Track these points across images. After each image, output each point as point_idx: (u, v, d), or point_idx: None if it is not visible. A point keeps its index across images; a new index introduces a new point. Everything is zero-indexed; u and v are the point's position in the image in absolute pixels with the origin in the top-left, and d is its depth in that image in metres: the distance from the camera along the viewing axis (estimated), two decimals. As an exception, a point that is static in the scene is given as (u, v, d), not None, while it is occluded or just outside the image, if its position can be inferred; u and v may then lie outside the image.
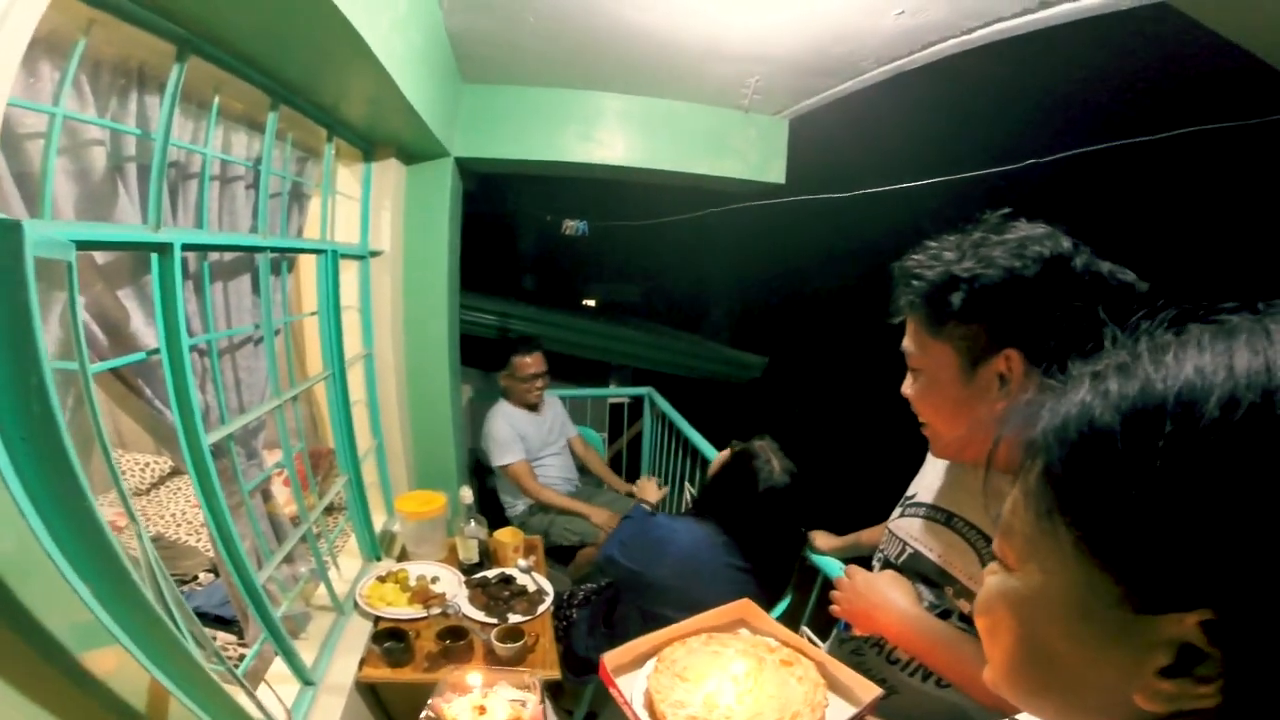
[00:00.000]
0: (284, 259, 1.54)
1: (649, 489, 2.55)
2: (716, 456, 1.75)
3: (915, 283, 0.85)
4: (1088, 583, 0.35)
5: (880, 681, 1.00)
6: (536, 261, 5.70)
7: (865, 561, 1.17)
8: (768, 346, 5.32)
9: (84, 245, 0.80)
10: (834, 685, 1.02)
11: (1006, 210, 0.84)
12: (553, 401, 3.08)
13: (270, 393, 1.48)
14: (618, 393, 3.79)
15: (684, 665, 1.08)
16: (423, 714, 1.12)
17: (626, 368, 4.50)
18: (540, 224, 3.47)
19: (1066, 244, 0.79)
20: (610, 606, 1.80)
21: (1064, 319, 0.76)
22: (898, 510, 1.10)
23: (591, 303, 6.53)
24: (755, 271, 6.93)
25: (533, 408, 2.93)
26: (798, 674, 1.04)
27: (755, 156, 2.41)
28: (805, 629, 1.64)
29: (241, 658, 1.40)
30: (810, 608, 1.77)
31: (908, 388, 0.93)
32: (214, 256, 1.27)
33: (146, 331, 1.08)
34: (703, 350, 4.98)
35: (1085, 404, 0.36)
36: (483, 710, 1.11)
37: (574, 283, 6.20)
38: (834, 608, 1.06)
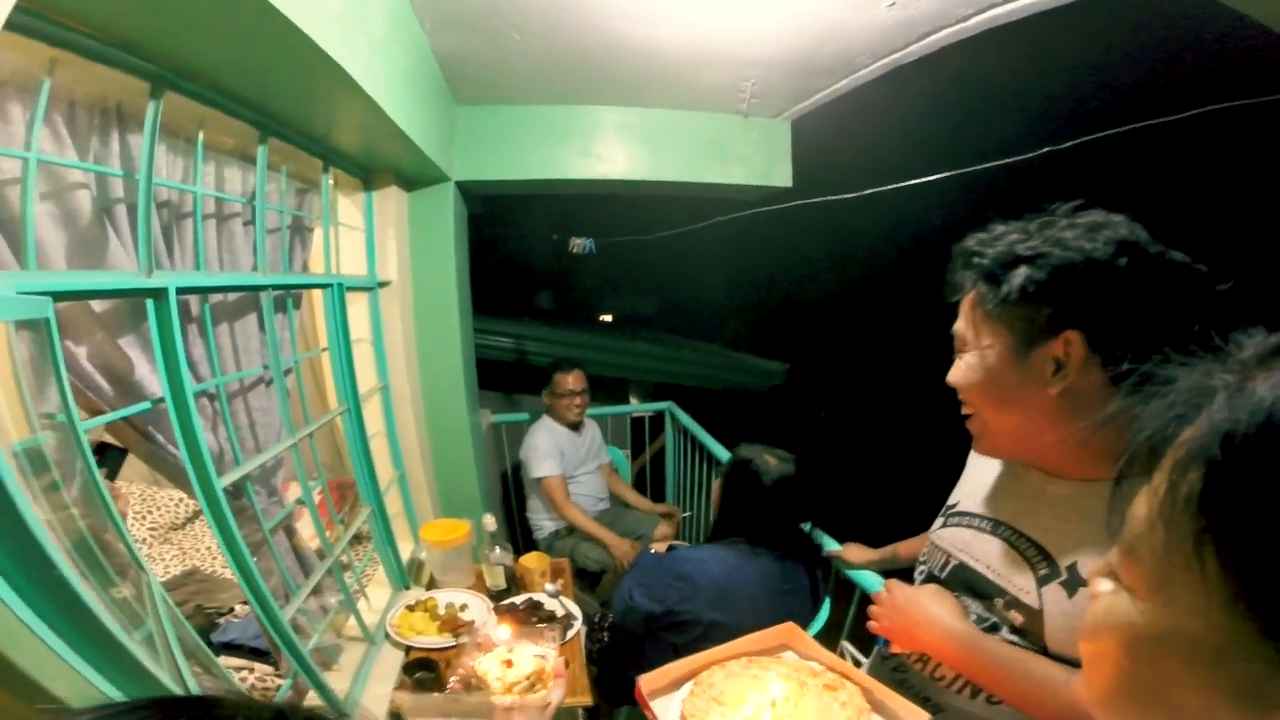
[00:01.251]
0: (289, 295, 1.54)
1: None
2: (714, 488, 1.67)
3: (976, 260, 0.82)
4: (1230, 632, 0.28)
5: (924, 700, 0.95)
6: (549, 280, 5.71)
7: (904, 574, 1.11)
8: (788, 352, 5.23)
9: (69, 295, 0.79)
10: (880, 710, 0.98)
11: (1078, 201, 0.80)
12: (592, 425, 3.12)
13: (285, 432, 1.48)
14: (638, 409, 3.75)
15: (721, 689, 1.06)
16: (455, 675, 1.18)
17: (646, 382, 4.46)
18: (549, 243, 3.47)
19: (1143, 233, 0.75)
20: (637, 643, 1.68)
21: (1138, 306, 0.72)
22: (939, 520, 1.05)
23: (608, 318, 6.52)
24: (771, 276, 6.86)
25: (574, 426, 2.95)
26: (841, 699, 0.99)
27: (759, 161, 2.37)
28: (845, 644, 1.57)
29: (278, 689, 1.40)
30: (849, 622, 1.70)
31: (954, 374, 0.88)
32: (217, 297, 1.27)
33: (152, 379, 1.07)
34: (722, 360, 4.92)
35: (1270, 398, 0.27)
36: (510, 664, 1.18)
37: (589, 298, 6.19)
38: (872, 624, 1.00)
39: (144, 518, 1.84)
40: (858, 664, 1.47)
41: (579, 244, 2.82)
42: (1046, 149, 1.49)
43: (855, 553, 1.62)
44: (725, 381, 4.80)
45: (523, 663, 1.20)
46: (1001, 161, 1.58)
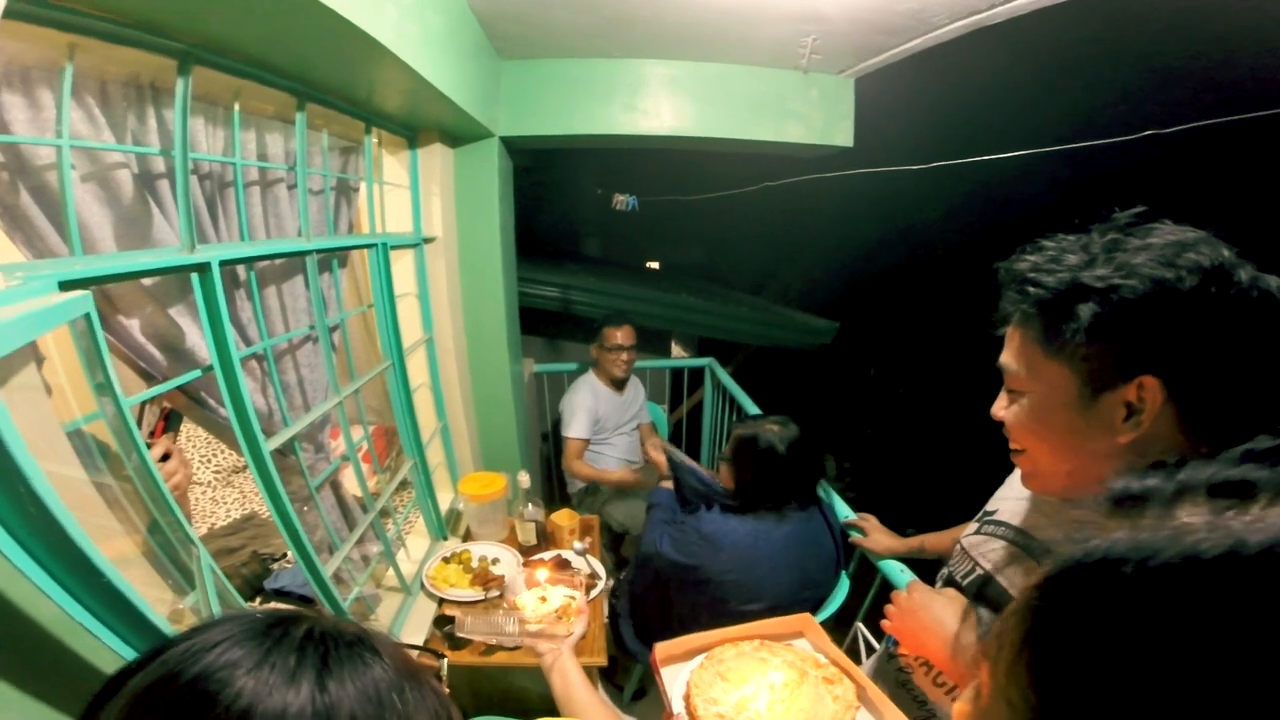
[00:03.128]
0: (334, 256, 1.56)
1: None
2: (721, 473, 1.72)
3: (1032, 290, 0.71)
4: None
5: (921, 705, 0.97)
6: (597, 226, 5.64)
7: (928, 566, 1.10)
8: (838, 311, 5.07)
9: (112, 279, 0.82)
10: (869, 708, 1.03)
11: (1140, 209, 0.69)
12: (636, 385, 3.11)
13: (330, 391, 1.53)
14: (678, 364, 3.75)
15: (729, 666, 1.13)
16: (503, 605, 1.39)
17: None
18: (594, 196, 3.41)
19: (1227, 252, 0.64)
20: (662, 603, 1.76)
21: (1227, 346, 0.62)
22: (973, 525, 1.01)
23: (655, 265, 6.44)
24: (825, 233, 6.57)
25: (618, 384, 2.95)
26: (835, 693, 1.05)
27: (819, 119, 2.22)
28: (860, 626, 1.58)
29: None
30: (866, 605, 1.71)
31: (1002, 410, 0.79)
32: (263, 262, 1.30)
33: (202, 345, 1.11)
34: (770, 316, 4.79)
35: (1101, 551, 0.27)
36: (544, 599, 1.37)
37: (636, 245, 6.10)
38: (885, 623, 1.01)
39: (209, 461, 1.97)
40: (870, 649, 1.50)
41: (622, 200, 2.74)
42: (1149, 132, 1.29)
43: (880, 540, 1.60)
44: (772, 338, 4.71)
45: (554, 599, 1.37)
46: (1089, 143, 1.39)
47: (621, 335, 2.85)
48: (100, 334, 0.72)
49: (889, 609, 1.01)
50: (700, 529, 1.58)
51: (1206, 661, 0.22)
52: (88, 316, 0.70)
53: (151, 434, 1.05)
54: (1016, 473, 0.98)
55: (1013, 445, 0.81)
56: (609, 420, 2.92)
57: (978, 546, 0.96)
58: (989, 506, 1.01)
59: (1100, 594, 0.26)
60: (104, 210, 0.91)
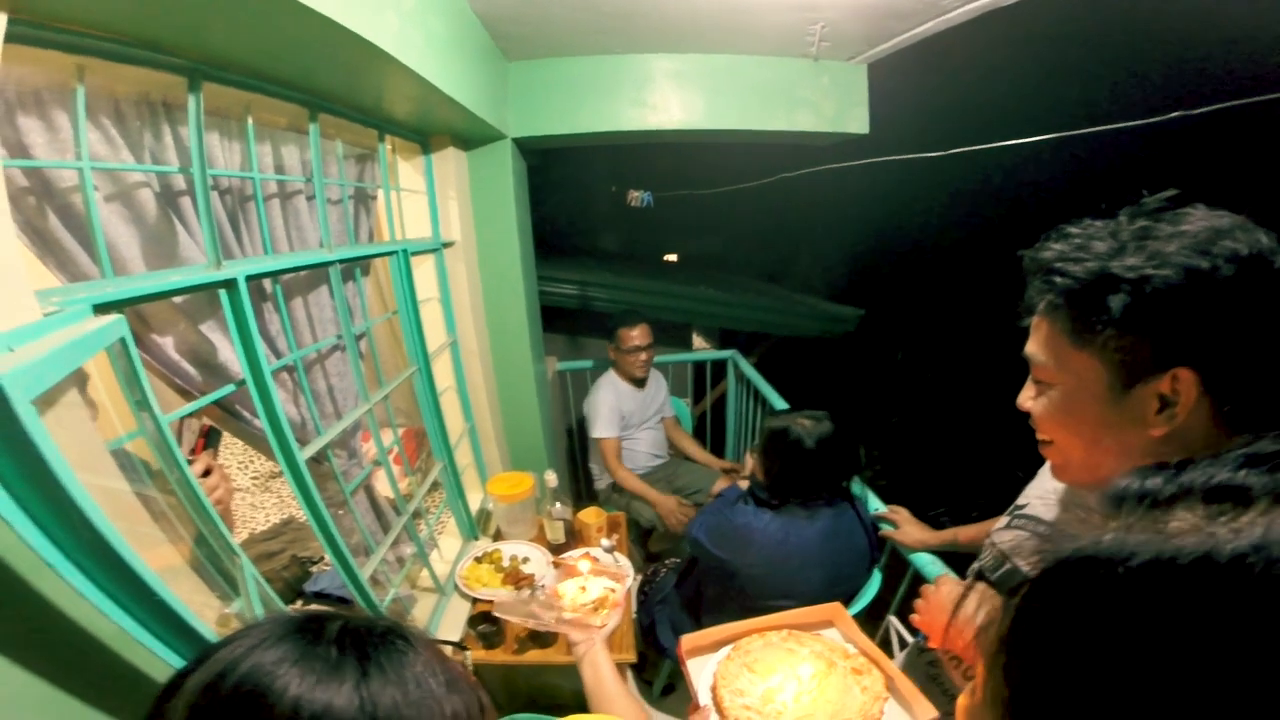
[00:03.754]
0: (356, 265, 1.59)
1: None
2: (751, 463, 1.72)
3: (1059, 279, 0.68)
4: None
5: (951, 698, 0.96)
6: (614, 222, 5.64)
7: (963, 559, 1.09)
8: (862, 298, 5.00)
9: (144, 299, 0.85)
10: (898, 698, 1.03)
11: (1171, 192, 0.66)
12: (658, 379, 3.08)
13: (360, 398, 1.56)
14: (701, 357, 3.73)
15: (755, 657, 1.13)
16: (543, 594, 1.43)
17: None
18: (608, 194, 3.42)
19: (1264, 239, 0.60)
20: (695, 594, 1.78)
21: (1261, 337, 0.59)
22: (1004, 519, 1.00)
23: (673, 257, 6.42)
24: (846, 220, 6.46)
25: (639, 382, 2.93)
26: (864, 683, 1.04)
27: (831, 107, 2.19)
28: (893, 619, 1.57)
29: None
30: (898, 599, 1.69)
31: (1029, 400, 0.77)
32: (288, 275, 1.33)
33: (234, 360, 1.15)
34: (792, 305, 4.75)
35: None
36: (584, 589, 1.43)
37: (654, 239, 6.08)
38: (914, 617, 1.00)
39: (246, 467, 2.03)
40: (903, 643, 1.48)
41: (637, 196, 2.73)
42: (1177, 113, 1.22)
43: (914, 532, 1.58)
44: (795, 327, 4.67)
45: (593, 590, 1.41)
46: (1117, 125, 1.33)
47: (638, 335, 2.80)
48: (135, 354, 0.75)
49: (918, 603, 1.01)
50: (734, 520, 1.59)
51: (1173, 665, 0.22)
52: (123, 339, 0.72)
53: (192, 451, 1.09)
54: (1047, 466, 0.97)
55: (1040, 436, 0.79)
56: (634, 416, 2.91)
57: (1007, 540, 0.95)
58: (1020, 500, 1.00)
59: (1076, 593, 0.26)
60: (130, 230, 0.94)
